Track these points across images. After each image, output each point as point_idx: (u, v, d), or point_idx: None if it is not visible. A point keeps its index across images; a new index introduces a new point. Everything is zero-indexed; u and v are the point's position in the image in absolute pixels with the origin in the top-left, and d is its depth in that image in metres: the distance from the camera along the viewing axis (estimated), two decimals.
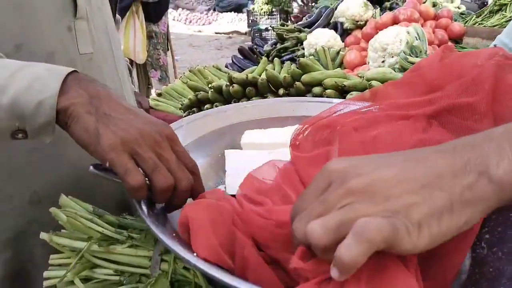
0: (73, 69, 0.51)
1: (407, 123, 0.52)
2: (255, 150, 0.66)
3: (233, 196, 0.54)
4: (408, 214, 0.31)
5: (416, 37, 1.24)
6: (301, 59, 1.19)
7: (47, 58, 0.61)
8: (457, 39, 1.79)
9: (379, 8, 2.29)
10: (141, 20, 2.98)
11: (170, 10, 4.18)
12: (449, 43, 1.76)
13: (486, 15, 1.99)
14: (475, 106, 0.51)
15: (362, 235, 0.29)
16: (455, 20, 2.12)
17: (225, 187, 0.63)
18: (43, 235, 0.55)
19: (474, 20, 1.99)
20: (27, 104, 0.47)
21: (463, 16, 2.36)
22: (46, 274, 0.56)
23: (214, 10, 8.11)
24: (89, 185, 0.66)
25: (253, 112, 0.75)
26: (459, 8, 2.56)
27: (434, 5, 2.43)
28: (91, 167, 0.49)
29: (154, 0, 2.94)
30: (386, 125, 0.51)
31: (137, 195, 0.47)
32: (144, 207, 0.49)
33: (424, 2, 2.48)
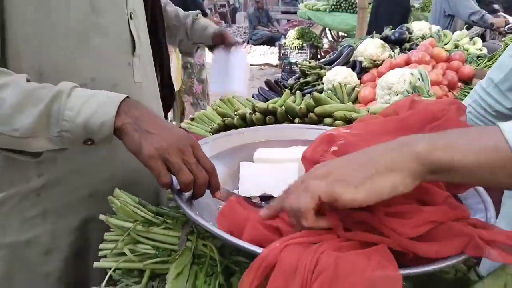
0: (125, 96, 0.71)
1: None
2: (264, 163, 0.84)
3: (246, 198, 0.73)
4: (348, 179, 0.50)
5: (419, 78, 1.40)
6: (315, 93, 1.37)
7: (112, 88, 0.81)
8: (467, 81, 1.93)
9: (399, 48, 2.46)
10: (178, 53, 3.27)
11: None
12: (459, 84, 1.91)
13: (496, 58, 2.12)
14: None
15: (307, 190, 0.50)
16: (470, 63, 2.26)
17: (238, 191, 0.81)
18: (102, 217, 0.74)
19: (485, 63, 2.13)
20: (94, 124, 0.68)
21: (480, 58, 2.49)
22: (101, 246, 0.74)
23: (248, 43, 8.49)
24: (135, 183, 0.86)
25: (266, 134, 0.93)
26: (480, 50, 2.70)
27: (456, 46, 2.58)
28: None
29: None
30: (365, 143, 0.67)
31: (166, 188, 0.68)
32: (177, 198, 0.68)
33: (447, 44, 2.64)
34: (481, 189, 0.68)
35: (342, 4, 6.14)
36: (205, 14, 3.52)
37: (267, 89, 2.18)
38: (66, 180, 0.83)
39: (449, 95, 1.72)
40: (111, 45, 0.83)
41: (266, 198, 0.79)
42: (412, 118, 0.67)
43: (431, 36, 2.74)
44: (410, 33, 2.62)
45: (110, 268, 0.72)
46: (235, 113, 1.44)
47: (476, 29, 4.01)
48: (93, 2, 0.78)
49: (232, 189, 0.83)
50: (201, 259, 0.68)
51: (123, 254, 0.72)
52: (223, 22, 12.04)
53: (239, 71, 1.41)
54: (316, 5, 6.61)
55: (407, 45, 2.48)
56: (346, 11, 6.06)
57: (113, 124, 0.68)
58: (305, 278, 0.49)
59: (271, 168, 0.82)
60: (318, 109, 1.35)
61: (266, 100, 2.00)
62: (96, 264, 0.73)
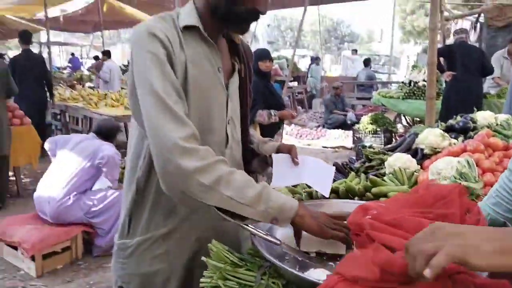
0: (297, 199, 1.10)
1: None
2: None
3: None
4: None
5: (465, 166, 1.61)
6: (371, 176, 1.63)
7: None
8: None
9: (463, 137, 2.64)
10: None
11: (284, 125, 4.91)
12: None
13: None
14: (454, 213, 0.92)
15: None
16: None
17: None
18: (204, 258, 1.05)
19: None
20: (286, 213, 1.05)
21: None
22: (202, 280, 1.05)
23: (323, 127, 8.92)
24: (225, 233, 1.17)
25: (325, 206, 1.22)
26: None
27: None
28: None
29: (268, 123, 3.68)
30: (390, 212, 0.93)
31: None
32: (259, 245, 0.98)
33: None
34: None
35: (415, 92, 6.38)
36: (283, 107, 3.99)
37: (336, 171, 2.46)
38: (181, 229, 1.19)
39: None
40: (213, 139, 1.20)
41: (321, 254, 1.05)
42: (425, 197, 0.93)
43: (497, 125, 2.89)
44: (474, 122, 2.80)
45: None
46: (303, 190, 1.73)
47: None
48: (210, 111, 1.17)
49: (297, 246, 1.11)
50: None
51: (217, 286, 1.02)
52: (300, 107, 12.79)
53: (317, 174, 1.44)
54: (390, 92, 6.94)
55: (471, 133, 2.65)
56: (419, 98, 6.27)
57: (297, 211, 1.05)
58: None
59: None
60: (374, 190, 1.60)
61: (334, 181, 2.27)
62: None
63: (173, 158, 1.00)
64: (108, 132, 3.63)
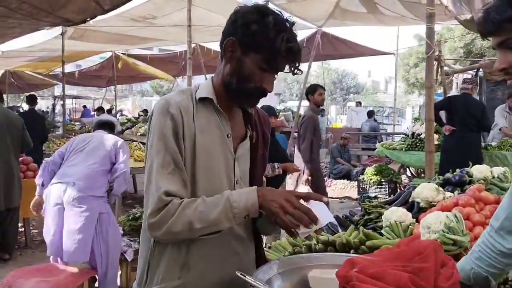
0: (256, 188, 1.25)
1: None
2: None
3: None
4: None
5: (453, 220, 1.71)
6: (364, 230, 1.74)
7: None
8: None
9: (459, 189, 2.73)
10: None
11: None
12: None
13: None
14: (429, 267, 1.02)
15: None
16: None
17: None
18: None
19: None
20: (251, 208, 1.21)
21: None
22: None
23: (329, 177, 9.02)
24: (229, 285, 1.29)
25: (320, 259, 1.32)
26: None
27: None
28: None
29: (271, 175, 3.82)
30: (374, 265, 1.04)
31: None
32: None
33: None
34: None
35: (417, 144, 6.52)
36: (287, 160, 4.14)
37: (336, 224, 2.56)
38: (194, 283, 1.30)
39: None
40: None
41: None
42: (405, 252, 1.04)
43: (493, 177, 2.99)
44: (470, 176, 2.90)
45: None
46: (303, 243, 1.83)
47: None
48: (218, 173, 1.33)
49: None
50: None
51: None
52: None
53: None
54: (393, 144, 7.09)
55: (467, 187, 2.75)
56: (421, 150, 6.40)
57: (258, 203, 1.21)
58: None
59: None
60: (368, 243, 1.70)
61: (334, 233, 2.36)
62: None
63: (148, 230, 1.26)
64: (111, 124, 4.10)
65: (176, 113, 1.27)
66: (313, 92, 5.16)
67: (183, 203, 1.22)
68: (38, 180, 3.68)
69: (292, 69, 1.32)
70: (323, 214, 1.41)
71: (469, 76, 7.87)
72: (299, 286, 1.25)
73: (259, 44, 1.26)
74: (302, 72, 1.39)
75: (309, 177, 4.98)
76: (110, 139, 3.75)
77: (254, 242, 1.47)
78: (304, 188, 4.85)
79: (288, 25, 1.28)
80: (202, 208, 1.21)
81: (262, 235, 1.53)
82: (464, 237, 1.66)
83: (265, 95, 1.33)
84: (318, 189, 4.92)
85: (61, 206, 3.45)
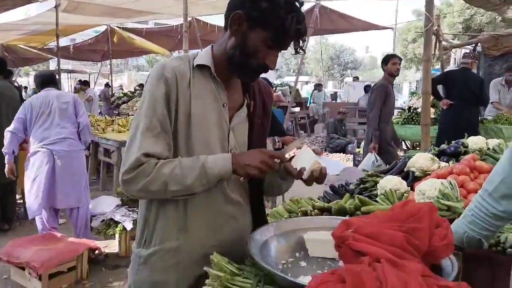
0: (231, 155, 1.28)
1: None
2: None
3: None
4: None
5: (448, 187, 1.73)
6: (360, 196, 1.76)
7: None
8: None
9: (454, 160, 2.76)
10: None
11: None
12: None
13: None
14: (423, 227, 1.04)
15: None
16: None
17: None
18: (205, 268, 1.17)
19: None
20: (225, 175, 1.23)
21: None
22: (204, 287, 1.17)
23: (325, 150, 9.06)
24: (230, 251, 1.30)
25: (315, 222, 1.35)
26: None
27: None
28: None
29: (273, 148, 3.83)
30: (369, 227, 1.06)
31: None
32: (254, 255, 1.10)
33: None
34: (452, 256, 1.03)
35: (414, 118, 6.54)
36: (284, 134, 4.13)
37: (332, 193, 2.58)
38: (192, 244, 1.33)
39: None
40: None
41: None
42: (400, 213, 1.06)
43: (488, 149, 3.02)
44: (465, 147, 2.93)
45: None
46: (299, 209, 1.86)
47: None
48: (210, 141, 1.33)
49: (289, 258, 1.24)
50: None
51: None
52: (302, 132, 12.96)
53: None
54: None
55: (462, 157, 2.78)
56: (417, 124, 6.42)
57: (232, 170, 1.25)
58: None
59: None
60: (364, 208, 1.73)
61: (329, 201, 2.39)
62: None
63: (122, 186, 1.28)
64: (54, 79, 4.42)
65: (171, 77, 1.27)
66: (386, 62, 5.20)
67: (159, 163, 1.24)
68: (8, 149, 3.97)
69: (296, 48, 1.32)
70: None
71: (471, 50, 7.81)
72: (295, 247, 1.28)
73: (268, 22, 1.24)
74: (305, 52, 1.39)
75: (376, 145, 5.07)
76: (66, 97, 4.24)
77: (252, 208, 1.49)
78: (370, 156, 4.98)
79: (298, 5, 1.27)
80: (178, 171, 1.23)
81: (264, 202, 1.55)
82: (458, 203, 1.69)
83: (266, 71, 1.33)
84: (384, 157, 5.04)
85: (50, 165, 3.94)
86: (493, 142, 3.13)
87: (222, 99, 1.36)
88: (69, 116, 4.09)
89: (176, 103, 1.28)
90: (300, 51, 1.33)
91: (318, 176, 1.31)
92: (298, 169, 1.29)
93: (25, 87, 18.10)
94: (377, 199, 2.07)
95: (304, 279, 1.07)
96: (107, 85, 14.06)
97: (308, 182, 1.30)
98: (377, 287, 0.84)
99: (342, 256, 1.05)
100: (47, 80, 4.27)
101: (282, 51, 1.33)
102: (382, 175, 2.53)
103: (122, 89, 15.78)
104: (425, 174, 2.44)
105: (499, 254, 1.49)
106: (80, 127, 4.14)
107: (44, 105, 4.03)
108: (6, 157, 3.99)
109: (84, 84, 11.18)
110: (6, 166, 4.02)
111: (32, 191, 3.96)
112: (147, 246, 1.36)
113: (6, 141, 3.97)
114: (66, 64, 22.19)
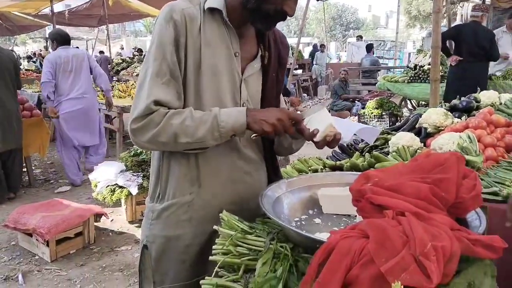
0: (246, 108, 1.19)
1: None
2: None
3: None
4: None
5: (466, 140, 1.65)
6: (374, 152, 1.68)
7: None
8: None
9: (466, 115, 2.67)
10: None
11: None
12: None
13: None
14: (451, 177, 0.96)
15: None
16: None
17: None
18: (215, 227, 1.11)
19: None
20: (239, 129, 1.16)
21: None
22: (214, 247, 1.11)
23: (329, 111, 8.93)
24: (242, 208, 1.24)
25: (328, 178, 1.27)
26: None
27: None
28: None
29: None
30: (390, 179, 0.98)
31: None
32: (267, 211, 1.03)
33: None
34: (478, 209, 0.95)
35: (420, 75, 6.37)
36: (288, 93, 4.03)
37: (340, 152, 2.51)
38: (205, 199, 1.27)
39: (505, 156, 1.90)
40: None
41: None
42: (423, 164, 0.98)
43: (500, 104, 2.92)
44: (478, 101, 2.83)
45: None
46: (309, 168, 1.79)
47: None
48: (221, 92, 1.25)
49: (302, 215, 1.17)
50: (279, 255, 1.02)
51: (229, 252, 1.08)
52: (305, 94, 12.77)
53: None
54: (395, 77, 6.93)
55: (475, 112, 2.68)
56: (424, 82, 6.27)
57: (246, 124, 1.17)
58: (354, 257, 0.78)
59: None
60: (378, 165, 1.65)
61: (338, 160, 2.32)
62: (210, 258, 1.09)
63: (131, 136, 1.21)
64: (68, 38, 5.04)
65: (180, 20, 1.18)
66: None
67: (169, 113, 1.17)
68: (46, 96, 4.84)
69: None
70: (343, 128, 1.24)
71: (480, 3, 7.52)
72: (308, 203, 1.21)
73: None
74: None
75: None
76: (80, 54, 5.02)
77: (266, 164, 1.42)
78: None
79: None
80: (189, 123, 1.16)
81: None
82: (477, 157, 1.61)
83: (284, 19, 1.22)
84: None
85: (79, 110, 4.98)
86: (505, 97, 3.03)
87: (234, 48, 1.26)
88: (84, 73, 4.91)
89: (185, 49, 1.19)
90: None
91: (330, 141, 1.22)
92: (311, 130, 1.20)
93: (30, 57, 17.79)
94: (389, 156, 1.99)
95: (320, 236, 1.01)
96: (101, 52, 13.77)
97: (319, 145, 1.22)
98: (404, 242, 0.77)
99: (361, 212, 0.98)
100: (65, 39, 4.92)
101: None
102: (393, 132, 2.45)
103: (121, 55, 15.47)
104: (438, 130, 2.35)
105: None
106: (98, 77, 5.04)
107: (65, 63, 4.79)
108: (47, 103, 5.00)
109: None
110: (48, 109, 4.95)
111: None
112: (161, 201, 1.31)
113: (43, 91, 4.88)
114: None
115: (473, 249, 0.82)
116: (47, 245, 3.25)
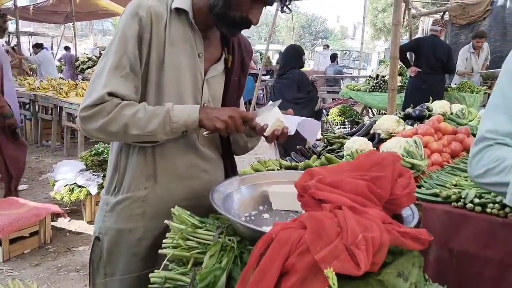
0: (199, 105, 1.21)
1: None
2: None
3: None
4: None
5: (412, 145, 1.75)
6: (326, 154, 1.75)
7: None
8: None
9: (419, 123, 2.81)
10: None
11: None
12: (463, 153, 2.20)
13: None
14: (386, 176, 1.04)
15: None
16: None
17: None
18: (166, 221, 1.14)
19: None
20: (191, 125, 1.18)
21: None
22: (164, 240, 1.14)
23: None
24: (196, 204, 1.27)
25: (280, 176, 1.33)
26: None
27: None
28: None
29: None
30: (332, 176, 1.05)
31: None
32: (217, 206, 1.07)
33: (471, 120, 2.94)
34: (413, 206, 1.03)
35: (381, 85, 6.60)
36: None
37: (299, 155, 2.58)
38: (160, 196, 1.30)
39: (450, 161, 2.02)
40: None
41: None
42: (363, 163, 1.05)
43: (451, 114, 3.09)
44: (430, 110, 2.98)
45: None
46: (266, 169, 1.84)
47: None
48: (182, 91, 1.28)
49: (252, 210, 1.22)
50: (226, 248, 1.06)
51: (179, 246, 1.11)
52: (270, 101, 12.89)
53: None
54: (357, 86, 7.15)
55: (426, 121, 2.83)
56: (384, 91, 6.50)
57: (198, 120, 1.19)
58: (292, 246, 0.83)
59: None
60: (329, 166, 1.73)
61: (297, 162, 2.39)
62: (160, 251, 1.12)
63: (80, 123, 1.23)
64: None
65: (145, 16, 1.20)
66: None
67: (122, 103, 1.18)
68: None
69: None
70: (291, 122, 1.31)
71: (439, 18, 7.89)
72: (259, 200, 1.26)
73: None
74: (291, 11, 1.33)
75: None
76: None
77: (224, 162, 1.46)
78: None
79: None
80: (141, 115, 1.18)
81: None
82: (422, 161, 1.71)
83: (248, 27, 1.26)
84: None
85: None
86: (456, 107, 3.20)
87: (199, 49, 1.30)
88: None
89: (148, 45, 1.22)
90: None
91: (279, 135, 1.28)
92: (261, 125, 1.26)
93: None
94: (343, 160, 2.08)
95: (267, 230, 1.06)
96: (66, 48, 13.46)
97: (269, 139, 1.28)
98: (337, 232, 0.83)
99: (304, 206, 1.04)
100: None
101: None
102: (348, 137, 2.54)
103: (87, 54, 15.13)
104: (391, 136, 2.46)
105: (458, 208, 1.53)
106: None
107: None
108: None
109: (37, 46, 10.77)
110: None
111: None
112: (116, 194, 1.33)
113: None
114: (27, 26, 21.03)
115: (402, 241, 0.89)
116: (0, 244, 3.15)
